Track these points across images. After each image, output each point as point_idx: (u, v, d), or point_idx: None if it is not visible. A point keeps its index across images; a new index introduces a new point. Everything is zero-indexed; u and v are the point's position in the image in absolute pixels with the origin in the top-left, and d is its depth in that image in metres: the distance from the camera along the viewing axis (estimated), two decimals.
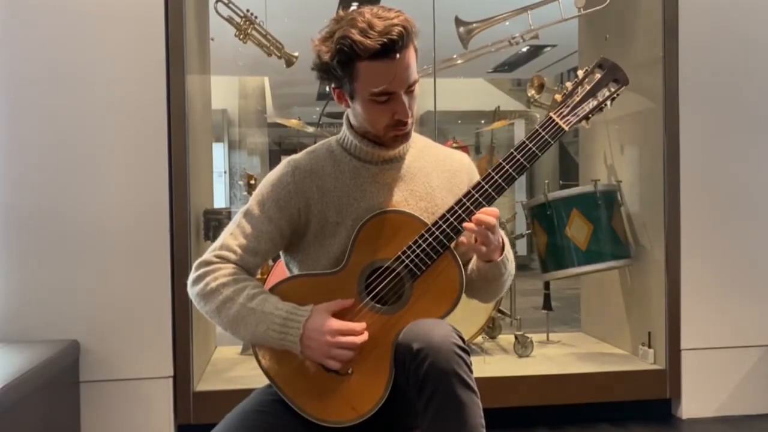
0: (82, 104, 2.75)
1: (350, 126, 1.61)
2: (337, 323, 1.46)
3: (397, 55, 1.44)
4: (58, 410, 2.56)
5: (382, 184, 1.60)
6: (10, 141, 2.72)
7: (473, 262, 1.64)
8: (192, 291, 1.56)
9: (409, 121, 1.54)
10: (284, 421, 1.51)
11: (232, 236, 1.57)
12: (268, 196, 1.58)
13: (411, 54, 1.48)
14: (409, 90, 1.51)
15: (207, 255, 1.57)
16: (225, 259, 1.55)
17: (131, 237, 2.77)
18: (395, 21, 1.43)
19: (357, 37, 1.42)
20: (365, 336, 1.46)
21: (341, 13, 1.50)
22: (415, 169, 1.64)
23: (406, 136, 1.58)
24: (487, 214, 1.49)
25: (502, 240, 1.59)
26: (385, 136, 1.56)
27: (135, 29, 2.77)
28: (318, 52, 1.50)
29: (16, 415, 2.12)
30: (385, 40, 1.42)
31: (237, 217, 1.60)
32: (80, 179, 2.75)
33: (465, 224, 1.49)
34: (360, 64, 1.45)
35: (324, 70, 1.52)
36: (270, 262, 3.24)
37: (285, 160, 1.63)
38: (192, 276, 1.56)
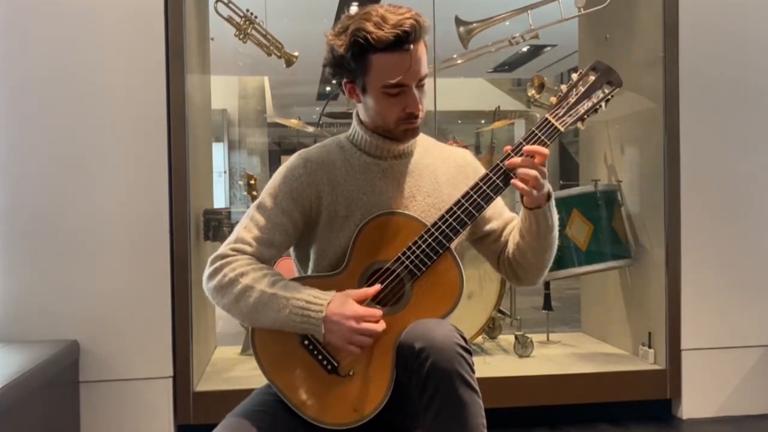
0: (82, 104, 2.75)
1: (360, 122, 1.64)
2: (361, 308, 1.46)
3: (410, 47, 1.48)
4: (58, 410, 2.56)
5: (391, 179, 1.62)
6: (10, 141, 2.72)
7: (518, 229, 1.63)
8: (208, 286, 1.55)
9: (420, 114, 1.57)
10: (284, 422, 1.50)
11: (246, 229, 1.58)
12: (280, 188, 1.59)
13: (422, 48, 1.53)
14: (420, 84, 1.54)
15: (222, 249, 1.57)
16: (241, 252, 1.55)
17: (131, 237, 2.77)
18: (407, 15, 1.49)
19: (371, 29, 1.47)
20: (383, 324, 1.47)
21: (354, 10, 1.54)
22: (423, 165, 1.66)
23: (416, 131, 1.60)
24: (533, 151, 1.50)
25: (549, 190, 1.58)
26: (396, 130, 1.58)
27: (135, 29, 2.77)
28: (332, 45, 1.53)
29: (16, 415, 2.12)
30: (398, 32, 1.46)
31: (250, 211, 1.60)
32: (80, 179, 2.75)
33: (511, 161, 1.51)
34: (373, 56, 1.49)
35: (337, 65, 1.55)
36: None
37: (296, 154, 1.64)
38: (208, 271, 1.56)
